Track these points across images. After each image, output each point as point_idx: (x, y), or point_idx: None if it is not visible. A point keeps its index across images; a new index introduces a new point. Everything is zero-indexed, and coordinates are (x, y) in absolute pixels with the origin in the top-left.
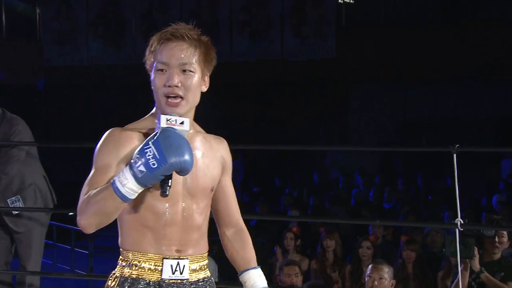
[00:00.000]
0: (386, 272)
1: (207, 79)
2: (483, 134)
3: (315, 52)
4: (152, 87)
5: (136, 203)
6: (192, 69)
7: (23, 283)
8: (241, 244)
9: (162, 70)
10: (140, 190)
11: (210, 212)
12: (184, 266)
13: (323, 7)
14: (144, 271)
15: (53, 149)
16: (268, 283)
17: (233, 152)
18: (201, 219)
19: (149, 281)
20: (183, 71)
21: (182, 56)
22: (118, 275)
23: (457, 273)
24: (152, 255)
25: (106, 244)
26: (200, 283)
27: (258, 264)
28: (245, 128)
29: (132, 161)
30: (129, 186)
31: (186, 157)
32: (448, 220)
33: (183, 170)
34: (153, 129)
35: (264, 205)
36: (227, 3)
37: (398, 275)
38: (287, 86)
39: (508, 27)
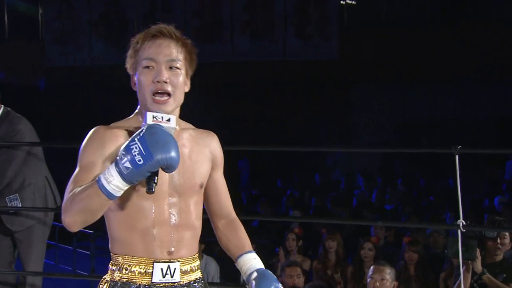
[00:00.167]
0: (388, 273)
1: (189, 80)
2: (482, 134)
3: (317, 52)
4: (135, 86)
5: (123, 205)
6: (179, 66)
7: (25, 283)
8: (233, 233)
9: (148, 67)
10: (126, 188)
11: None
12: (175, 269)
13: (326, 7)
14: (135, 275)
15: (54, 149)
16: None
17: (239, 152)
18: (191, 217)
19: (140, 285)
20: (170, 68)
21: (170, 52)
22: (108, 279)
23: (459, 274)
24: (142, 258)
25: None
26: (192, 285)
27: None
28: (245, 128)
29: (117, 157)
30: (115, 183)
31: (172, 153)
32: (450, 221)
33: (169, 167)
34: (138, 128)
35: (265, 206)
36: (230, 3)
37: (400, 277)
38: (289, 86)
39: (507, 28)
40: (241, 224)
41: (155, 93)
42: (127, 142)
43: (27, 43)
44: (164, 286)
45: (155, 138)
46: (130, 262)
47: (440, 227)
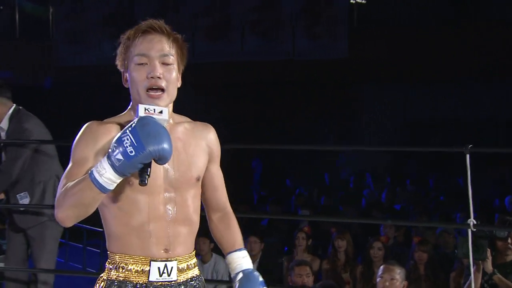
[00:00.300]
0: (398, 273)
1: (180, 75)
2: (486, 134)
3: (326, 52)
4: (127, 83)
5: (118, 201)
6: (171, 61)
7: (36, 281)
8: (227, 227)
9: (141, 63)
10: (119, 180)
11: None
12: (172, 267)
13: (335, 7)
14: (131, 274)
15: (64, 147)
16: (278, 283)
17: (251, 151)
18: (188, 211)
19: (136, 283)
20: (162, 63)
21: (162, 48)
22: (105, 277)
23: (469, 274)
24: (139, 257)
25: None
26: (189, 283)
27: (267, 263)
28: (252, 127)
29: (109, 150)
30: (107, 176)
31: (165, 145)
32: (460, 221)
33: (161, 158)
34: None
35: (275, 205)
36: (239, 3)
37: (410, 276)
38: (298, 86)
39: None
40: (235, 219)
41: (149, 88)
42: (118, 134)
43: (37, 43)
44: (161, 284)
45: (146, 129)
46: (126, 260)
47: (451, 227)
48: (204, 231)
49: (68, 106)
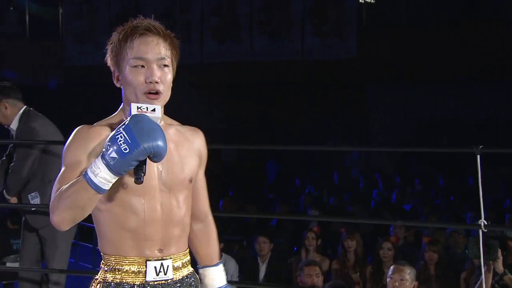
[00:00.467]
0: (408, 273)
1: (174, 74)
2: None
3: (335, 52)
4: (119, 82)
5: (113, 204)
6: (168, 63)
7: (48, 281)
8: (206, 239)
9: (137, 66)
10: (114, 180)
11: None
12: (168, 266)
13: (344, 7)
14: (128, 275)
15: None
16: (287, 283)
17: (267, 152)
18: (181, 213)
19: (133, 284)
20: (159, 66)
21: (159, 51)
22: (101, 280)
23: (480, 274)
24: (135, 258)
25: None
26: (185, 280)
27: (276, 263)
28: (256, 128)
29: (103, 149)
30: (102, 176)
31: (159, 141)
32: (470, 221)
33: (156, 155)
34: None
35: (284, 205)
36: (248, 3)
37: (420, 277)
38: (305, 86)
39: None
40: (215, 230)
41: (148, 92)
42: (112, 133)
43: (46, 43)
44: (159, 284)
45: (140, 126)
46: (122, 262)
47: (462, 227)
48: None
49: (77, 106)
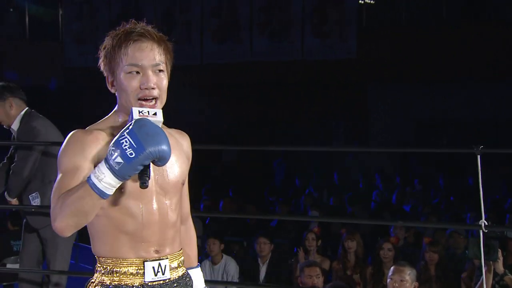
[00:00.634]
0: (408, 274)
1: (169, 77)
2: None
3: (335, 52)
4: (113, 87)
5: (110, 208)
6: (162, 68)
7: (49, 282)
8: (188, 242)
9: (132, 72)
10: (118, 185)
11: None
12: (165, 266)
13: (344, 7)
14: (126, 276)
15: None
16: (288, 283)
17: (268, 152)
18: (175, 215)
19: (132, 285)
20: (155, 71)
21: (154, 57)
22: (98, 282)
23: (480, 275)
24: (133, 259)
25: None
26: (181, 280)
27: (276, 264)
28: (257, 128)
29: (107, 154)
30: (106, 181)
31: (164, 146)
32: (470, 221)
33: (161, 159)
34: (117, 127)
35: (284, 206)
36: (248, 3)
37: (420, 277)
38: (305, 86)
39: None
40: (195, 233)
41: (144, 99)
42: (116, 138)
43: (46, 44)
44: (157, 284)
45: (144, 130)
46: (120, 264)
47: (462, 227)
48: (214, 233)
49: (77, 107)
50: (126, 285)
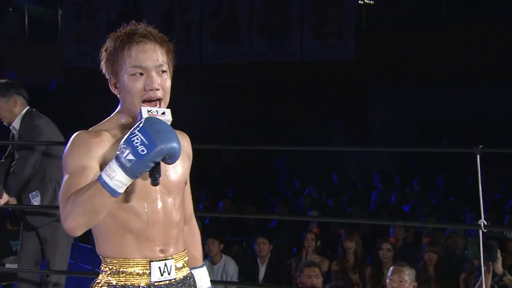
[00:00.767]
0: (407, 274)
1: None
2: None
3: (334, 53)
4: (117, 89)
5: (115, 208)
6: (165, 69)
7: (48, 282)
8: (192, 242)
9: (136, 74)
10: (129, 183)
11: None
12: (171, 266)
13: (343, 8)
14: (132, 277)
15: None
16: (287, 284)
17: (267, 153)
18: (178, 215)
19: (139, 285)
20: (158, 72)
21: (157, 57)
22: (104, 283)
23: (479, 275)
24: (139, 259)
25: None
26: (186, 280)
27: (276, 264)
28: (257, 128)
29: (118, 152)
30: (118, 178)
31: (174, 143)
32: (470, 221)
33: (171, 156)
34: (120, 129)
35: (283, 206)
36: (247, 4)
37: (419, 277)
38: (305, 86)
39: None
40: (199, 233)
41: (149, 100)
42: (126, 136)
43: (46, 44)
44: (163, 284)
45: (155, 127)
46: (126, 264)
47: (462, 227)
48: (213, 233)
49: (75, 107)
50: (133, 285)
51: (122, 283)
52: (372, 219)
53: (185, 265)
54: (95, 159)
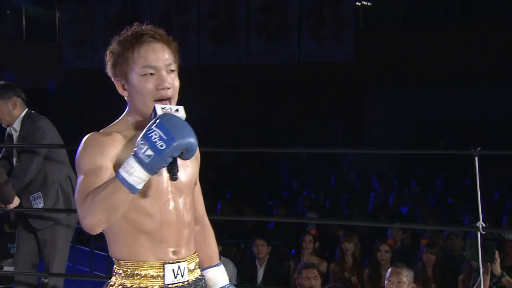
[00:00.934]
0: (405, 275)
1: None
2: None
3: (332, 54)
4: (125, 91)
5: (128, 209)
6: (174, 68)
7: (46, 285)
8: (205, 241)
9: (147, 74)
10: (147, 179)
11: None
12: (184, 268)
13: (341, 9)
14: (147, 279)
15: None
16: (285, 285)
17: (266, 154)
18: (189, 215)
19: None
20: (167, 72)
21: (167, 57)
22: (118, 285)
23: (478, 276)
24: (152, 262)
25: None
26: (198, 282)
27: (274, 266)
28: (256, 129)
29: (135, 149)
30: (137, 174)
31: (191, 138)
32: (468, 223)
33: (189, 151)
34: (130, 130)
35: (281, 208)
36: (245, 5)
37: (418, 279)
38: (303, 88)
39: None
40: (213, 232)
41: (158, 100)
42: (143, 132)
43: (43, 46)
44: (176, 286)
45: (172, 122)
46: (140, 267)
47: (460, 229)
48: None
49: (73, 109)
50: (147, 287)
51: (137, 285)
52: (370, 221)
53: (197, 267)
54: (109, 159)
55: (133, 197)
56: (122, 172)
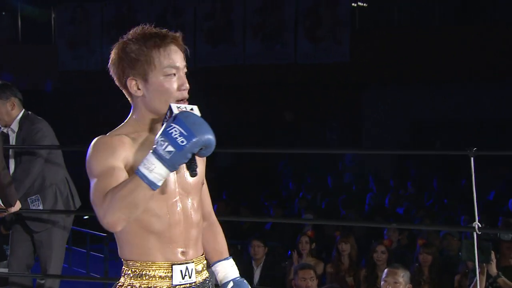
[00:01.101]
0: (402, 276)
1: None
2: (485, 135)
3: (328, 55)
4: (140, 91)
5: None
6: (187, 71)
7: (42, 286)
8: (213, 236)
9: (171, 74)
10: (167, 176)
11: None
12: (192, 269)
13: (337, 10)
14: (155, 280)
15: (68, 153)
16: (282, 286)
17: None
18: (197, 216)
19: None
20: (184, 73)
21: (183, 59)
22: (127, 285)
23: (474, 277)
24: (161, 262)
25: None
26: (206, 284)
27: (270, 267)
28: (254, 130)
29: (155, 146)
30: (157, 171)
31: (210, 134)
32: (464, 223)
33: (207, 147)
34: (139, 132)
35: (278, 209)
36: (241, 6)
37: (414, 279)
38: (299, 89)
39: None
40: (220, 228)
41: (179, 100)
42: (162, 129)
43: (39, 47)
44: (184, 287)
45: (191, 119)
46: (149, 267)
47: (456, 230)
48: None
49: (69, 110)
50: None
51: (145, 286)
52: (366, 221)
53: (204, 268)
54: (121, 160)
55: None
56: (142, 169)
